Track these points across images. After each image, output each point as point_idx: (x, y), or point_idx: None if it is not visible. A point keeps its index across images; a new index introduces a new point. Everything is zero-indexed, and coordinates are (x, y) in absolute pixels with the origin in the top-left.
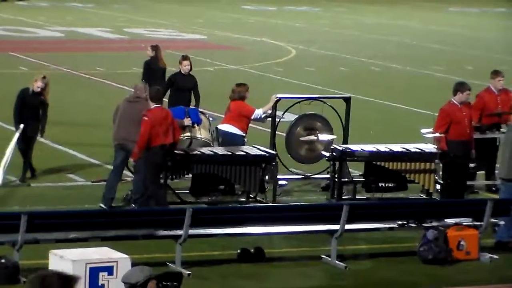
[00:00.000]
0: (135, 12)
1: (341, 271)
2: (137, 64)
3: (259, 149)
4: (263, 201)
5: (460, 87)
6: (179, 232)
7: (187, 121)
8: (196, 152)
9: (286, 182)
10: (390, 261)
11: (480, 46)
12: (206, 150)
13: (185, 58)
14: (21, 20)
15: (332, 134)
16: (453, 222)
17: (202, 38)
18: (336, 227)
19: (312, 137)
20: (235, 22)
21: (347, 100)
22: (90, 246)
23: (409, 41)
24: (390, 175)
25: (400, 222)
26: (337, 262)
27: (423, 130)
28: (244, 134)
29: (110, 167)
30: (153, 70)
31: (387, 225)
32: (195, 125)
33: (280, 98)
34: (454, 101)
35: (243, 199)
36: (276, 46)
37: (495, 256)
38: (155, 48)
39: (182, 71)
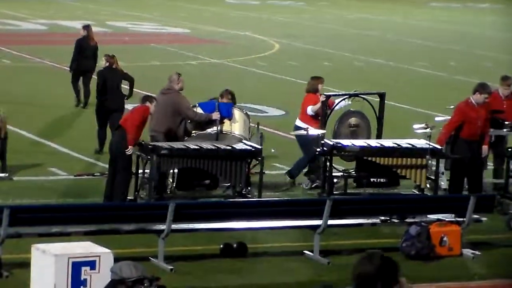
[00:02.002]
0: (118, 5)
1: (323, 266)
2: (121, 58)
3: (245, 143)
4: (249, 195)
5: (481, 88)
6: (162, 226)
7: (215, 115)
8: (181, 146)
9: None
10: None
11: (463, 41)
12: (191, 145)
13: None
14: (4, 12)
15: (369, 131)
16: (436, 218)
17: (186, 32)
18: (319, 222)
19: (302, 132)
20: (218, 16)
21: (381, 95)
22: (73, 240)
23: (392, 36)
24: (382, 171)
25: (383, 218)
26: (319, 257)
27: (415, 126)
28: (307, 126)
29: (93, 161)
30: (84, 48)
31: (370, 221)
32: (226, 120)
33: (328, 96)
34: (472, 100)
35: (229, 194)
36: (259, 40)
37: (478, 252)
38: (87, 27)
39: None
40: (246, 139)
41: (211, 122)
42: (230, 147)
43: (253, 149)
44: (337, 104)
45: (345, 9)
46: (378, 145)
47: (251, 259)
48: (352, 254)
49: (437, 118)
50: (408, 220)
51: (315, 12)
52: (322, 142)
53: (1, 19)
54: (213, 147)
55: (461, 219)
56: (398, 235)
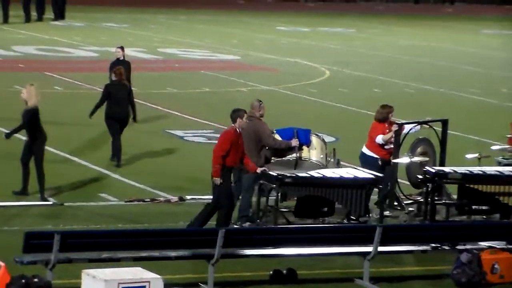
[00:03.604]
0: (169, 32)
1: None
2: (171, 84)
3: (364, 171)
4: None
5: None
6: (211, 252)
7: (294, 142)
8: (305, 175)
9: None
10: (424, 284)
11: None
12: (314, 173)
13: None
14: (56, 39)
15: (434, 157)
16: (487, 245)
17: (236, 58)
18: (369, 249)
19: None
20: (269, 42)
21: (444, 122)
22: (123, 266)
23: (443, 62)
24: (484, 198)
25: (433, 245)
26: (370, 284)
27: (468, 155)
28: (376, 156)
29: (143, 186)
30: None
31: (420, 248)
32: (304, 147)
33: (400, 125)
34: None
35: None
36: (310, 67)
37: None
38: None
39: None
40: (324, 166)
41: (290, 149)
42: (352, 176)
43: (374, 177)
44: (408, 130)
45: (396, 36)
46: (480, 172)
47: (301, 286)
48: (402, 281)
49: (493, 147)
50: (459, 247)
51: (366, 39)
52: (425, 169)
53: (54, 46)
54: (336, 175)
55: None
56: (449, 262)
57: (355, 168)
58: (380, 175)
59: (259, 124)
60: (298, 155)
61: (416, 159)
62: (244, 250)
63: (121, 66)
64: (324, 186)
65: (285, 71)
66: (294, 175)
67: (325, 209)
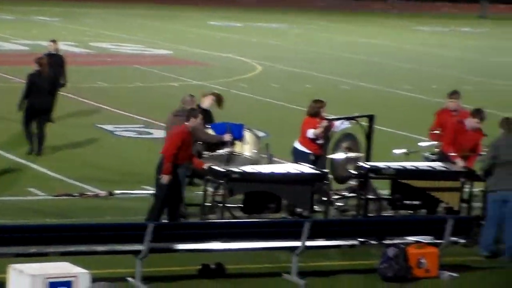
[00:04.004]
0: (102, 26)
1: (301, 287)
2: (103, 79)
3: (310, 167)
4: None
5: (475, 112)
6: (140, 247)
7: (227, 137)
8: (252, 170)
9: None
10: (351, 278)
11: (447, 65)
12: (261, 168)
13: None
14: None
15: (359, 152)
16: (414, 239)
17: (168, 53)
18: (297, 243)
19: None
20: (201, 37)
21: (371, 118)
22: (50, 261)
23: (377, 59)
24: (416, 193)
25: (361, 239)
26: (297, 278)
27: (395, 151)
28: (308, 151)
29: (72, 181)
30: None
31: (348, 242)
32: (237, 142)
33: (330, 120)
34: (465, 123)
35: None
36: (241, 62)
37: (455, 274)
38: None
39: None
40: (257, 161)
41: (223, 144)
42: (299, 171)
43: (320, 173)
44: (341, 126)
45: (329, 32)
46: (413, 167)
47: (229, 280)
48: (330, 276)
49: (420, 143)
50: (386, 241)
51: (299, 35)
52: (358, 165)
53: None
54: (283, 171)
55: (439, 241)
56: (376, 257)
57: (301, 164)
58: (326, 170)
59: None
60: (231, 150)
61: (352, 154)
62: (173, 245)
63: (43, 56)
64: (271, 182)
65: (217, 66)
66: (241, 170)
67: (272, 205)
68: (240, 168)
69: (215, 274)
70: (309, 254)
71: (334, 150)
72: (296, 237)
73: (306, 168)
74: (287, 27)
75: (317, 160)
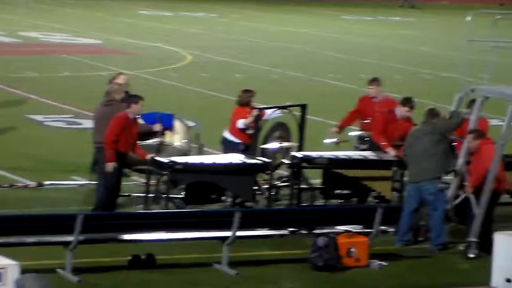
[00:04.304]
0: (31, 16)
1: (232, 277)
2: (32, 68)
3: (254, 157)
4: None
5: (404, 101)
6: (69, 238)
7: (157, 127)
8: (195, 161)
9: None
10: (281, 267)
11: (374, 54)
12: (204, 159)
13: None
14: None
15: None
16: (344, 229)
17: (98, 42)
18: (228, 233)
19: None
20: (131, 26)
21: (303, 107)
22: None
23: (305, 48)
24: (348, 182)
25: (291, 229)
26: (228, 269)
27: (326, 140)
28: (238, 141)
29: (1, 172)
30: None
31: (278, 232)
32: (167, 131)
33: (260, 109)
34: (396, 112)
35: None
36: (171, 51)
37: (384, 263)
38: None
39: None
40: (187, 151)
41: (153, 134)
42: (241, 161)
43: (263, 163)
44: (271, 115)
45: (258, 21)
46: (346, 157)
47: (160, 271)
48: (260, 266)
49: (351, 133)
50: (316, 231)
51: (228, 24)
52: (291, 154)
53: None
54: (226, 161)
55: (369, 230)
56: (306, 246)
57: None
58: (269, 160)
59: (121, 108)
60: (161, 139)
61: (285, 144)
62: (103, 235)
63: None
64: (214, 173)
65: (147, 55)
66: (184, 161)
67: (214, 195)
68: (184, 159)
69: (145, 265)
70: (240, 244)
71: (266, 140)
72: (227, 227)
73: (248, 159)
74: (216, 17)
75: (247, 149)
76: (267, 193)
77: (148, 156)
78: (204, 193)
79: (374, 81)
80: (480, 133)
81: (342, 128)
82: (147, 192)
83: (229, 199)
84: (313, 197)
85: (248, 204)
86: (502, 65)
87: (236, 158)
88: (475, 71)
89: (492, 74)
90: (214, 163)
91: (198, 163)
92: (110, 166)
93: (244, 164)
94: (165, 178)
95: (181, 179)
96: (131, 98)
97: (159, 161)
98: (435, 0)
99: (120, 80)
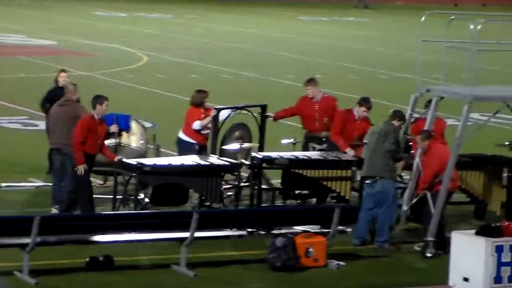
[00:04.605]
0: None
1: (190, 278)
2: None
3: (220, 159)
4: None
5: (362, 101)
6: (27, 240)
7: (113, 128)
8: (164, 163)
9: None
10: (240, 268)
11: (330, 54)
12: (172, 161)
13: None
14: None
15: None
16: (302, 229)
17: (53, 43)
18: (186, 234)
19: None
20: (86, 27)
21: (263, 107)
22: None
23: (260, 49)
24: (308, 182)
25: (249, 230)
26: (186, 270)
27: (283, 140)
28: (193, 141)
29: None
30: None
31: (236, 233)
32: (123, 132)
33: (219, 110)
34: (354, 112)
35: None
36: (127, 52)
37: (342, 263)
38: None
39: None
40: (144, 152)
41: (109, 135)
42: (209, 163)
43: (229, 164)
44: (227, 116)
45: (214, 22)
46: (305, 157)
47: (118, 273)
48: (219, 266)
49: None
50: (274, 231)
51: (184, 25)
52: (252, 155)
53: None
54: (193, 163)
55: (327, 230)
56: (264, 247)
57: (211, 156)
58: (236, 161)
59: (77, 108)
60: (117, 141)
61: (246, 145)
62: (60, 237)
63: None
64: (181, 174)
65: (103, 56)
66: (153, 163)
67: (179, 196)
68: (152, 161)
69: (103, 266)
70: (199, 245)
71: (226, 140)
72: (185, 228)
73: (216, 160)
74: (172, 18)
75: (202, 150)
76: (228, 193)
77: (116, 159)
78: (171, 194)
79: (311, 81)
80: (428, 133)
81: (277, 118)
82: (115, 194)
83: (195, 201)
84: (273, 197)
85: (216, 205)
86: (456, 66)
87: (203, 159)
88: (431, 72)
89: (446, 75)
90: (182, 165)
91: (166, 165)
92: (81, 168)
93: (211, 165)
94: (133, 180)
95: (149, 181)
96: (96, 99)
97: (127, 163)
98: (390, 1)
99: (61, 77)
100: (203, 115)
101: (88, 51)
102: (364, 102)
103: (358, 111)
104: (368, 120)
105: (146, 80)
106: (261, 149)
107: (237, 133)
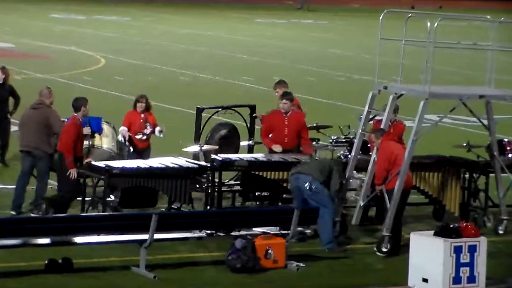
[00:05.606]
0: None
1: (149, 280)
2: None
3: (188, 161)
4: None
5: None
6: None
7: (86, 130)
8: (132, 165)
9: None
10: (200, 270)
11: (287, 56)
12: (141, 163)
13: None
14: None
15: (238, 143)
16: (261, 231)
17: (9, 46)
18: (145, 236)
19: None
20: (43, 30)
21: (252, 108)
22: None
23: (218, 51)
24: (268, 184)
25: (209, 231)
26: (146, 271)
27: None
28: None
29: None
30: None
31: (195, 235)
32: (96, 134)
33: (201, 110)
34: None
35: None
36: (85, 55)
37: (302, 264)
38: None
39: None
40: (115, 153)
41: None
42: (178, 165)
43: (198, 167)
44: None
45: (171, 25)
46: (265, 159)
47: (77, 275)
48: (178, 268)
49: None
50: (234, 233)
51: (141, 27)
52: (212, 157)
53: None
54: (162, 165)
55: (286, 231)
56: (225, 248)
57: (180, 158)
58: (206, 164)
59: (49, 112)
60: (90, 142)
61: (207, 147)
62: (18, 240)
63: None
64: (150, 177)
65: (60, 59)
66: (121, 166)
67: (148, 199)
68: (120, 163)
69: (62, 269)
70: (159, 247)
71: (209, 139)
72: (144, 230)
73: (184, 162)
74: (129, 20)
75: (144, 152)
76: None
77: (86, 161)
78: (139, 196)
79: (280, 83)
80: (382, 131)
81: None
82: (84, 196)
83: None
84: (233, 199)
85: (185, 207)
86: (414, 68)
87: (172, 162)
88: (389, 73)
89: (404, 77)
90: (150, 167)
91: (135, 168)
92: (73, 172)
93: (180, 168)
94: (101, 182)
95: (119, 183)
96: (80, 101)
97: (96, 166)
98: (346, 3)
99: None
100: (140, 120)
101: (45, 53)
102: (284, 95)
103: (284, 107)
104: (300, 110)
105: (105, 83)
106: (251, 150)
107: (221, 133)
